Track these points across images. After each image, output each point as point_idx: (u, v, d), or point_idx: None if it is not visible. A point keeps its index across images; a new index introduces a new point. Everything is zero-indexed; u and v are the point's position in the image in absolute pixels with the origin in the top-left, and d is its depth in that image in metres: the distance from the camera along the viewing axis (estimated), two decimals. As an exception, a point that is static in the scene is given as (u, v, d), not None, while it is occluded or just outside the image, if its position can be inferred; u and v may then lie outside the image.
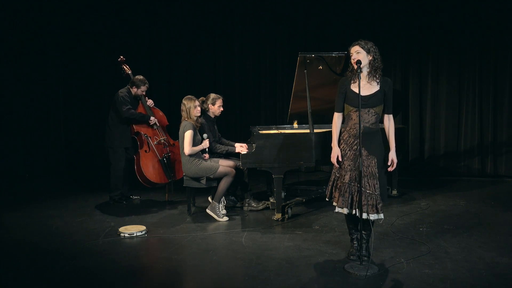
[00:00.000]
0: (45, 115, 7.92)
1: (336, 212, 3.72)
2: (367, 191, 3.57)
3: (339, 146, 3.75)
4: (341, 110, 3.79)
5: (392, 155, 3.72)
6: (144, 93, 5.77)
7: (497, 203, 5.69)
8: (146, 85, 5.73)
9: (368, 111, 3.63)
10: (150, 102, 5.88)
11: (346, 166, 3.67)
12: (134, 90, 5.71)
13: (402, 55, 7.58)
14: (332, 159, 3.74)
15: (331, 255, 3.94)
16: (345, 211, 3.65)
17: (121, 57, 5.88)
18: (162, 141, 5.78)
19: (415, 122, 7.61)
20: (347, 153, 3.68)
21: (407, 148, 7.47)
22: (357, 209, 3.59)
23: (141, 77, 5.73)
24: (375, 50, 3.63)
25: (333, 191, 3.75)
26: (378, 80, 3.65)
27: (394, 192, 6.00)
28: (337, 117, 3.79)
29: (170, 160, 5.80)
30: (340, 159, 3.71)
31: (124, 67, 5.85)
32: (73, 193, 6.51)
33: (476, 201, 5.79)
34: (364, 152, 3.61)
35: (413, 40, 7.51)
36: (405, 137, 6.84)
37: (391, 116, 3.77)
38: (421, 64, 7.55)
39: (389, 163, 3.71)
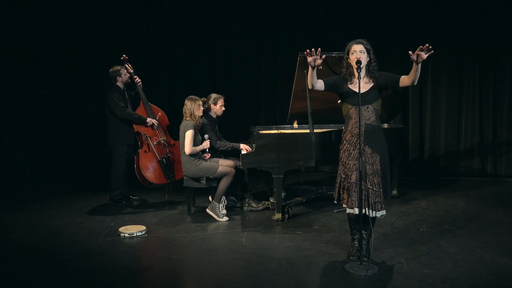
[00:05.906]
0: (45, 115, 7.92)
1: (346, 213, 3.70)
2: (373, 189, 3.57)
3: (342, 146, 3.75)
4: (323, 82, 3.71)
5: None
6: (127, 76, 5.71)
7: (497, 203, 5.69)
8: (117, 67, 5.73)
9: (367, 108, 3.64)
10: (138, 80, 5.81)
11: (351, 165, 3.65)
12: (120, 80, 5.69)
13: (402, 55, 7.58)
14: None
15: (331, 255, 3.94)
16: (356, 211, 3.59)
17: (124, 56, 5.85)
18: (162, 141, 5.77)
19: (415, 122, 7.61)
20: (351, 153, 3.68)
21: (407, 148, 7.47)
22: (365, 208, 3.56)
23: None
24: (373, 51, 3.66)
25: (341, 192, 3.72)
26: (375, 78, 3.67)
27: (394, 192, 5.99)
28: (318, 81, 3.69)
29: (170, 161, 5.79)
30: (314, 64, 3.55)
31: (127, 65, 5.85)
32: (73, 193, 6.51)
33: (476, 201, 5.79)
34: (368, 150, 3.61)
35: (413, 40, 7.50)
36: (405, 137, 6.84)
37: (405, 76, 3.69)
38: (421, 64, 7.52)
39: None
